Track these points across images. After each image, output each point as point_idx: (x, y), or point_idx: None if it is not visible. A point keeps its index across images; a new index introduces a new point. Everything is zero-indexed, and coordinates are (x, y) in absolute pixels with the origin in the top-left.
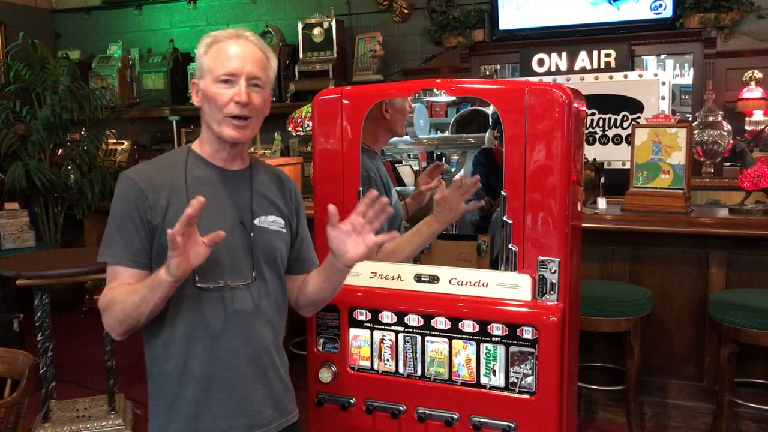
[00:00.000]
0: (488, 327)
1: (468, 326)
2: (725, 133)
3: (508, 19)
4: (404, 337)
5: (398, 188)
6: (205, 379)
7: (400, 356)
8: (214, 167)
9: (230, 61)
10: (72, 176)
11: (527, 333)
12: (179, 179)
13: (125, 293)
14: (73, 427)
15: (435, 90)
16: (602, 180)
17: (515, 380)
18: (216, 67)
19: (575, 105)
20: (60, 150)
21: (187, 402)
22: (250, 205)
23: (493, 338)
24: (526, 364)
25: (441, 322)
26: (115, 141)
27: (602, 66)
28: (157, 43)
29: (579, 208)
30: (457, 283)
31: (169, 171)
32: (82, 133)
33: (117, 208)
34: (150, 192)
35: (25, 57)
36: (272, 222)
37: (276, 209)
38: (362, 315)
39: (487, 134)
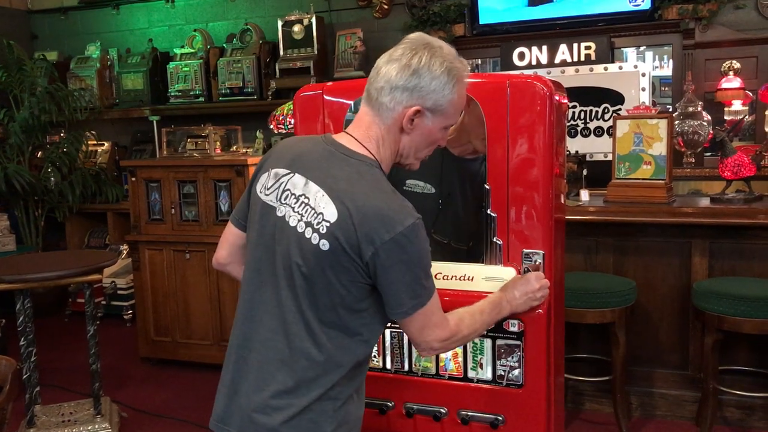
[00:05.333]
0: None
1: None
2: (705, 123)
3: (488, 13)
4: (391, 332)
5: None
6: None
7: (387, 352)
8: None
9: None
10: (52, 179)
11: (513, 326)
12: None
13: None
14: None
15: None
16: (584, 172)
17: (502, 373)
18: (454, 114)
19: (557, 97)
20: (39, 152)
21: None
22: None
23: None
24: (512, 357)
25: None
26: (95, 142)
27: (582, 59)
28: (136, 43)
29: (562, 201)
30: (443, 278)
31: None
32: (62, 134)
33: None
34: None
35: (1, 59)
36: None
37: None
38: None
39: None
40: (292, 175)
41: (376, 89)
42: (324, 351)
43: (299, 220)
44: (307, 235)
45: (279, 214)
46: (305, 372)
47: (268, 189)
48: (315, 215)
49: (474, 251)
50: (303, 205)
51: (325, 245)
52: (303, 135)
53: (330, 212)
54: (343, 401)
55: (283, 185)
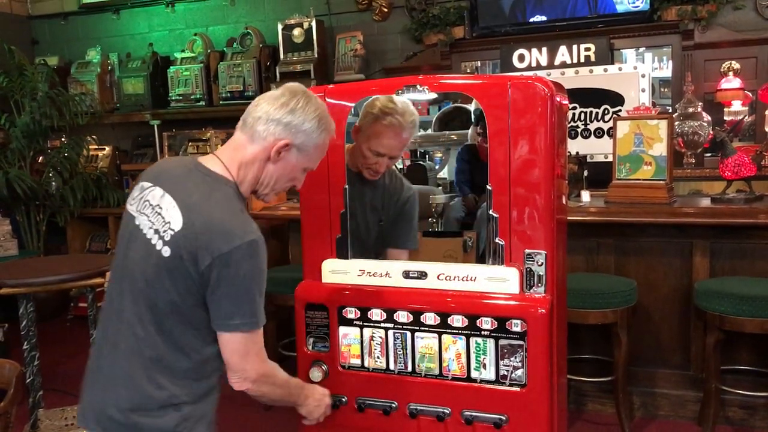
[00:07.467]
0: (477, 321)
1: (457, 321)
2: (705, 124)
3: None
4: (394, 333)
5: None
6: None
7: (390, 353)
8: None
9: None
10: (53, 183)
11: (516, 326)
12: None
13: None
14: None
15: (418, 86)
16: (585, 173)
17: (505, 373)
18: (317, 159)
19: (557, 98)
20: (40, 157)
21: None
22: None
23: (483, 332)
24: (515, 357)
25: (430, 318)
26: (96, 147)
27: (582, 60)
28: (136, 48)
29: (564, 202)
30: (446, 279)
31: None
32: (63, 139)
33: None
34: None
35: (2, 64)
36: None
37: None
38: (351, 313)
39: (469, 131)
40: (153, 188)
41: (253, 118)
42: (163, 354)
43: (150, 227)
44: (153, 242)
45: (136, 222)
46: (146, 388)
47: (133, 200)
48: (163, 223)
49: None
50: (156, 214)
51: (166, 251)
52: (178, 157)
53: (176, 221)
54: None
55: (144, 197)
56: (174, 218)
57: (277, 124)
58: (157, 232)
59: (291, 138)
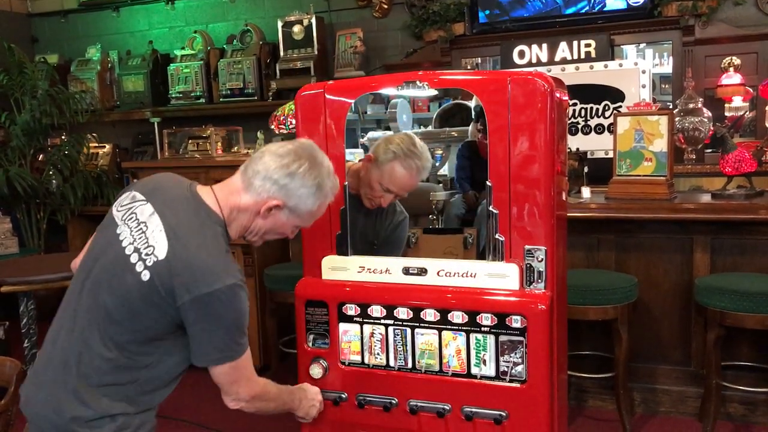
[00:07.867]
0: (477, 317)
1: (457, 317)
2: (706, 120)
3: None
4: (394, 330)
5: None
6: None
7: (391, 349)
8: None
9: None
10: (54, 181)
11: (516, 322)
12: None
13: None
14: None
15: (418, 82)
16: (586, 169)
17: (505, 369)
18: (309, 221)
19: (557, 94)
20: (41, 155)
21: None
22: None
23: (483, 328)
24: (515, 353)
25: (430, 314)
26: (96, 144)
27: (582, 56)
28: (136, 45)
29: (564, 198)
30: (445, 275)
31: None
32: (63, 137)
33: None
34: None
35: (2, 62)
36: None
37: None
38: (351, 310)
39: (470, 127)
40: (145, 203)
41: (253, 170)
42: (111, 364)
43: (130, 243)
44: (133, 260)
45: (117, 231)
46: (87, 397)
47: (121, 206)
48: (146, 246)
49: None
50: (140, 232)
51: (145, 276)
52: (176, 176)
53: (161, 249)
54: None
55: (133, 208)
56: (159, 244)
57: (273, 183)
58: (137, 251)
59: (284, 200)
